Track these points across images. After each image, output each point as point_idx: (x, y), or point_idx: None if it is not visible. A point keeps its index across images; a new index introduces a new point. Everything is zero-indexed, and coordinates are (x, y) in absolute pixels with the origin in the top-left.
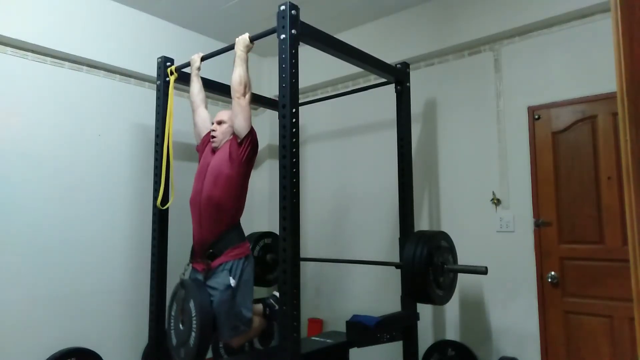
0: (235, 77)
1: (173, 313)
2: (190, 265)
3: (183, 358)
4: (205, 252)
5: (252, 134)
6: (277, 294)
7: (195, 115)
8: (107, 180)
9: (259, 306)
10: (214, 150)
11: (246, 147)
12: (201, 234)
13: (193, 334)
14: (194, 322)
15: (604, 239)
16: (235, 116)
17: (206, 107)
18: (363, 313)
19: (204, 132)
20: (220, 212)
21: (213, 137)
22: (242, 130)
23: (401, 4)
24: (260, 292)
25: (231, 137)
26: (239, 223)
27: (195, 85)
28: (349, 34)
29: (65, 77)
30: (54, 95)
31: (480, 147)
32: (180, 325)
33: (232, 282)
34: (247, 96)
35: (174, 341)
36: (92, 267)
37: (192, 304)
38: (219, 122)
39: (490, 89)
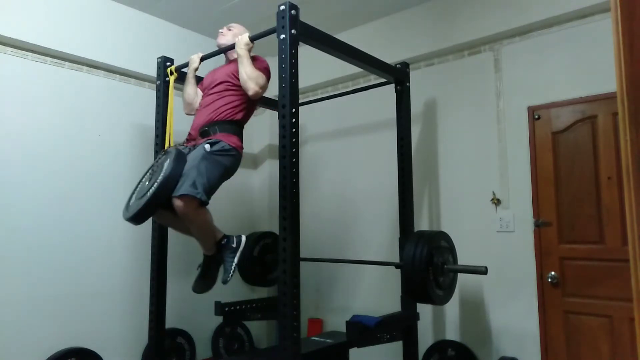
0: (242, 76)
1: (144, 178)
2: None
3: (134, 205)
4: (199, 131)
5: (266, 76)
6: (244, 237)
7: (194, 106)
8: (107, 180)
9: (221, 232)
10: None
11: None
12: (199, 119)
13: (155, 184)
14: (162, 172)
15: (604, 239)
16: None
17: None
18: (363, 313)
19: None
20: (224, 105)
21: (221, 39)
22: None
23: (401, 4)
24: (261, 291)
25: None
26: (242, 126)
27: (192, 89)
28: (349, 34)
29: (65, 77)
30: (54, 95)
31: (480, 147)
32: (146, 183)
33: (208, 147)
34: (261, 90)
35: (132, 199)
36: (92, 267)
37: (167, 160)
38: (229, 29)
39: (490, 89)
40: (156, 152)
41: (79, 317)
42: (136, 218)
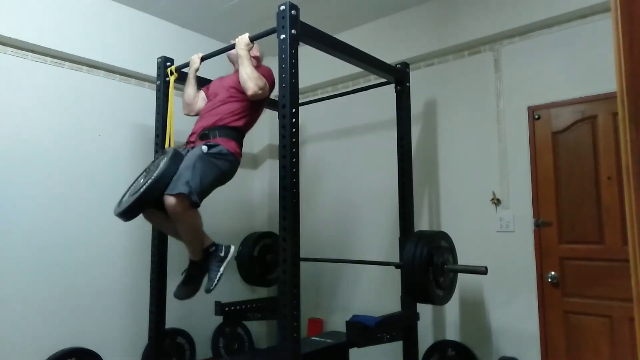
0: (242, 76)
1: (139, 177)
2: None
3: (125, 202)
4: (198, 135)
5: (267, 80)
6: (233, 247)
7: (197, 108)
8: (107, 180)
9: (210, 239)
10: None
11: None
12: (201, 123)
13: (149, 181)
14: (157, 169)
15: (604, 239)
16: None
17: None
18: (363, 313)
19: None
20: (227, 112)
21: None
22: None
23: (401, 4)
24: (260, 291)
25: None
26: (243, 134)
27: (192, 90)
28: (349, 34)
29: (65, 77)
30: (54, 95)
31: (480, 147)
32: (141, 180)
33: (205, 148)
34: (260, 91)
35: (126, 196)
36: (92, 267)
37: (163, 160)
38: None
39: (490, 89)
40: (156, 152)
41: (79, 317)
42: (126, 214)
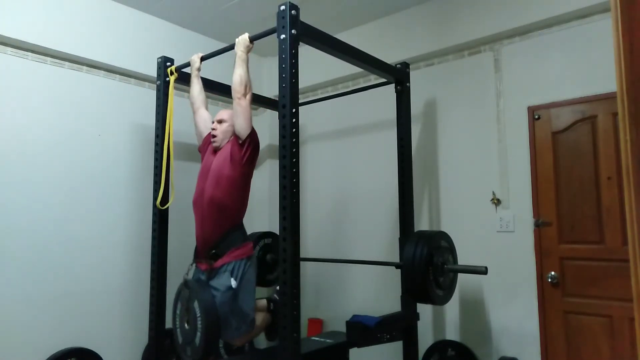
0: (236, 78)
1: (178, 312)
2: (194, 265)
3: (190, 356)
4: (208, 252)
5: (252, 134)
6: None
7: (197, 117)
8: (107, 180)
9: (264, 302)
10: (215, 151)
11: (247, 148)
12: (204, 234)
13: (198, 333)
14: (199, 322)
15: (604, 239)
16: (236, 117)
17: (206, 108)
18: (363, 313)
19: (205, 133)
20: (222, 212)
21: (213, 136)
22: (243, 131)
23: (401, 4)
24: (260, 292)
25: (232, 137)
26: (242, 224)
27: (196, 87)
28: (349, 34)
29: (65, 77)
30: (54, 95)
31: (480, 147)
32: (186, 325)
33: (234, 283)
34: (248, 97)
35: (180, 339)
36: (92, 267)
37: (196, 304)
38: (220, 121)
39: (490, 89)
40: (156, 152)
41: (79, 317)
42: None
